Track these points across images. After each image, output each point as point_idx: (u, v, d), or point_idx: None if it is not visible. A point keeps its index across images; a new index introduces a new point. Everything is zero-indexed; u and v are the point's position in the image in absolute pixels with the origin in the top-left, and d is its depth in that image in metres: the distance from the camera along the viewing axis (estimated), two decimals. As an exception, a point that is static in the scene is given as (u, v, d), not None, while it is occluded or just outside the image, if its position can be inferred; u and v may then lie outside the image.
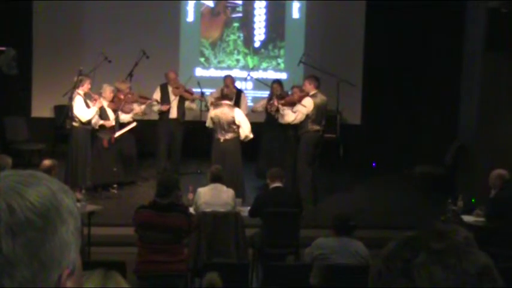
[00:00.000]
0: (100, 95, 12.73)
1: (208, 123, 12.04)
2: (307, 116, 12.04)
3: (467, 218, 9.65)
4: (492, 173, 9.65)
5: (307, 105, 12.00)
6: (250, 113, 13.34)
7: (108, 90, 12.80)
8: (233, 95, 12.64)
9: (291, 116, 12.23)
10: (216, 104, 12.13)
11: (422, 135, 15.40)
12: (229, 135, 11.75)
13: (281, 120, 12.64)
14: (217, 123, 11.76)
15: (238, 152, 11.91)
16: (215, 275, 6.18)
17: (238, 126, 11.78)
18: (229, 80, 13.97)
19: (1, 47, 9.96)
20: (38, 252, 1.32)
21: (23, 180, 1.37)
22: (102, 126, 12.57)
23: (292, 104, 12.35)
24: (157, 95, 13.55)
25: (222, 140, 11.75)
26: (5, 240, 1.29)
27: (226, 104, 11.90)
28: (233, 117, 11.73)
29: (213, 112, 11.88)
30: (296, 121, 12.16)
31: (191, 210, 9.18)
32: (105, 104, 12.72)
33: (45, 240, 1.33)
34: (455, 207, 9.97)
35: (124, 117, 13.01)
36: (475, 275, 1.40)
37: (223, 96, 12.19)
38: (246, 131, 11.78)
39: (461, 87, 14.26)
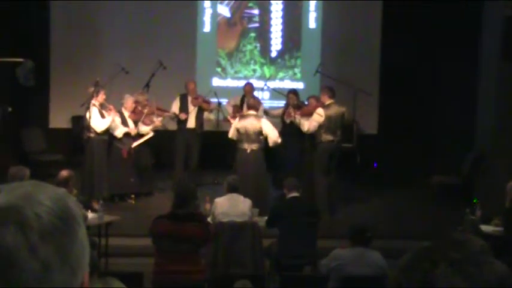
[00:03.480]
0: (121, 105, 12.81)
1: (232, 135, 12.02)
2: (320, 126, 12.08)
3: (485, 228, 9.59)
4: (509, 183, 9.58)
5: (319, 114, 12.05)
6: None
7: (130, 101, 12.89)
8: (259, 106, 12.64)
9: (305, 125, 12.29)
10: (242, 116, 12.15)
11: (440, 145, 15.34)
12: (255, 146, 11.78)
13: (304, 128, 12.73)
14: (244, 133, 11.78)
15: (263, 163, 11.95)
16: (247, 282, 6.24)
17: (264, 137, 11.82)
18: (248, 88, 14.01)
19: (19, 59, 10.02)
20: (68, 257, 1.37)
21: (33, 189, 1.41)
22: (125, 134, 12.63)
23: (309, 115, 12.38)
24: (176, 105, 13.60)
25: (248, 151, 11.78)
26: (40, 247, 1.33)
27: (253, 115, 11.94)
28: (260, 128, 11.77)
29: (239, 123, 11.88)
30: (310, 131, 12.22)
31: (208, 220, 9.19)
32: (126, 114, 12.80)
33: (72, 245, 1.38)
34: (473, 216, 9.90)
35: (144, 129, 13.05)
36: (494, 284, 1.40)
37: (249, 107, 12.23)
38: (274, 138, 11.83)
39: (478, 96, 14.21)
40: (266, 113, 13.70)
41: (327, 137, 12.12)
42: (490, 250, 1.48)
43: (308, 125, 12.23)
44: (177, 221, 7.74)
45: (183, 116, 13.48)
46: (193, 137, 13.61)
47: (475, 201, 10.53)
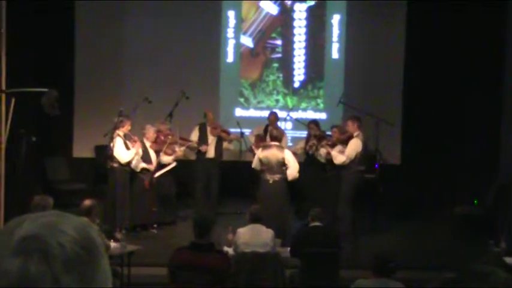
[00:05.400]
0: (143, 135, 12.86)
1: (255, 165, 12.00)
2: (355, 157, 12.09)
3: (510, 260, 9.48)
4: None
5: (356, 146, 12.08)
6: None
7: (151, 131, 12.94)
8: (282, 136, 12.64)
9: (341, 157, 12.25)
10: (265, 146, 12.14)
11: (463, 175, 15.24)
12: (277, 176, 11.74)
13: (322, 160, 12.70)
14: (266, 164, 11.76)
15: (286, 194, 11.89)
16: None
17: (286, 167, 11.78)
18: (273, 117, 14.04)
19: (44, 88, 10.09)
20: (90, 285, 1.38)
21: (56, 218, 1.42)
22: (144, 170, 12.67)
23: (334, 145, 12.38)
24: (195, 134, 13.64)
25: (271, 182, 11.75)
26: (63, 276, 1.34)
27: (275, 145, 11.92)
28: (283, 158, 11.74)
29: (262, 154, 11.87)
30: (347, 162, 12.19)
31: (231, 250, 9.18)
32: (147, 144, 12.84)
33: (95, 274, 1.40)
34: (497, 248, 9.81)
35: (166, 159, 13.10)
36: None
37: (272, 137, 12.20)
38: (294, 171, 11.79)
39: (501, 127, 14.14)
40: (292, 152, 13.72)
41: (359, 167, 12.17)
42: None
43: (344, 158, 12.19)
44: (198, 251, 7.68)
45: (204, 149, 13.53)
46: (213, 167, 13.63)
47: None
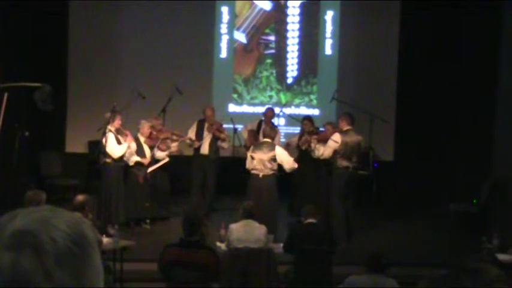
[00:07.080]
0: (138, 130, 12.85)
1: (249, 165, 11.99)
2: (336, 152, 12.05)
3: (502, 257, 9.51)
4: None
5: (335, 140, 12.03)
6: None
7: (146, 126, 12.93)
8: (275, 135, 12.62)
9: (320, 150, 12.27)
10: (256, 145, 12.13)
11: (457, 172, 15.25)
12: (267, 171, 11.76)
13: (313, 155, 12.71)
14: (258, 161, 11.77)
15: (275, 189, 11.90)
16: None
17: (277, 164, 11.79)
18: (270, 113, 14.05)
19: (37, 83, 10.06)
20: (83, 281, 1.38)
21: (49, 213, 1.42)
22: (137, 163, 12.65)
23: (325, 141, 12.37)
24: (193, 130, 13.62)
25: (261, 176, 11.76)
26: (55, 271, 1.33)
27: (267, 142, 11.94)
28: (274, 155, 11.75)
29: (254, 152, 11.87)
30: (324, 156, 12.21)
31: (223, 246, 9.18)
32: (141, 139, 12.82)
33: (87, 269, 1.39)
34: (490, 245, 9.83)
35: (160, 155, 13.09)
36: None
37: (264, 135, 12.24)
38: (289, 164, 11.82)
39: (495, 124, 14.15)
40: (288, 144, 13.72)
41: (342, 163, 12.08)
42: (507, 279, 1.47)
43: (322, 150, 12.22)
44: (187, 248, 7.66)
45: (196, 144, 13.51)
46: (208, 164, 13.61)
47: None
